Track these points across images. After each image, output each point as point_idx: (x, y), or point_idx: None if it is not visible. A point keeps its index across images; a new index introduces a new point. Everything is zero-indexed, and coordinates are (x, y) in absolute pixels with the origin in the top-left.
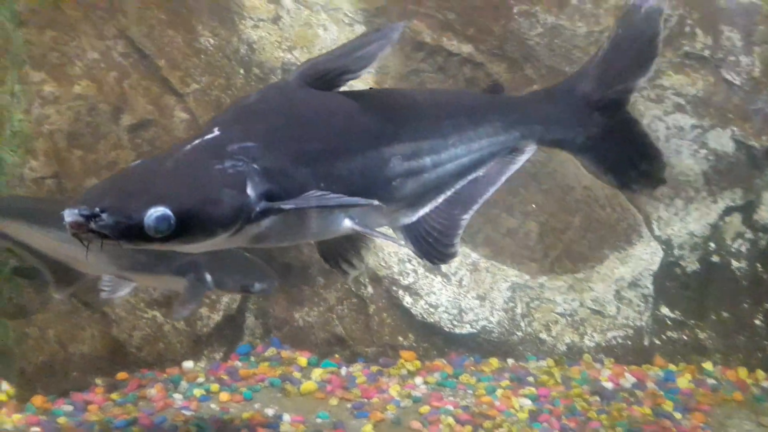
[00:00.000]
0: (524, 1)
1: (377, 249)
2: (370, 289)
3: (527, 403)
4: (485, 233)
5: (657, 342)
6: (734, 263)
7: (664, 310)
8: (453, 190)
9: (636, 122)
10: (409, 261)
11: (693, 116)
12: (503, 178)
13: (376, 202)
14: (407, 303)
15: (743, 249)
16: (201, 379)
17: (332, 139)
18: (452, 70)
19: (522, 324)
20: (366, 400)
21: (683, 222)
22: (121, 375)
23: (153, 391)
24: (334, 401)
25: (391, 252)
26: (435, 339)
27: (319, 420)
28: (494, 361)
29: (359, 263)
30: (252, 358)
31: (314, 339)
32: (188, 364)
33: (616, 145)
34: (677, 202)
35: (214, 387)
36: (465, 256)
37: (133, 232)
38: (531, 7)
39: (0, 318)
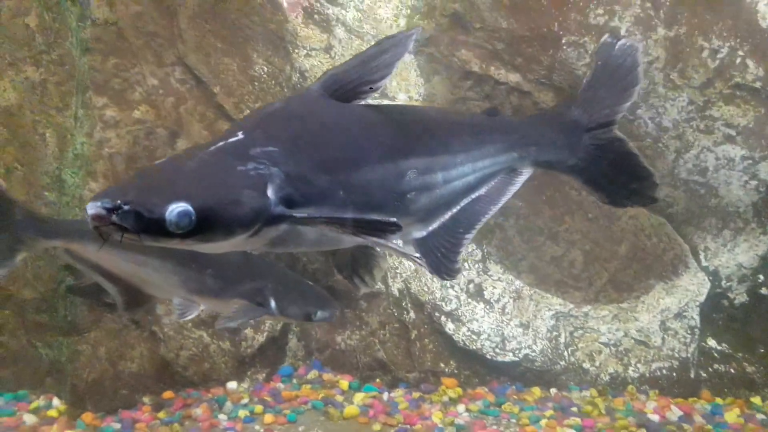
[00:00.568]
0: (573, 32)
1: (420, 274)
2: (412, 315)
3: None
4: (529, 261)
5: (703, 375)
6: None
7: (711, 342)
8: (459, 207)
9: (625, 143)
10: (452, 287)
11: (743, 147)
12: (504, 199)
13: (394, 220)
14: (449, 329)
15: None
16: (245, 400)
17: (351, 149)
18: (499, 99)
19: (565, 353)
20: (409, 426)
21: (731, 253)
22: (168, 394)
23: (199, 411)
24: (377, 426)
25: (433, 277)
26: (477, 366)
27: None
28: (537, 390)
29: (371, 281)
30: (294, 380)
31: (356, 363)
32: (232, 385)
33: (607, 165)
34: (725, 233)
35: (258, 408)
36: (508, 283)
37: (154, 226)
38: (580, 38)
39: (54, 335)
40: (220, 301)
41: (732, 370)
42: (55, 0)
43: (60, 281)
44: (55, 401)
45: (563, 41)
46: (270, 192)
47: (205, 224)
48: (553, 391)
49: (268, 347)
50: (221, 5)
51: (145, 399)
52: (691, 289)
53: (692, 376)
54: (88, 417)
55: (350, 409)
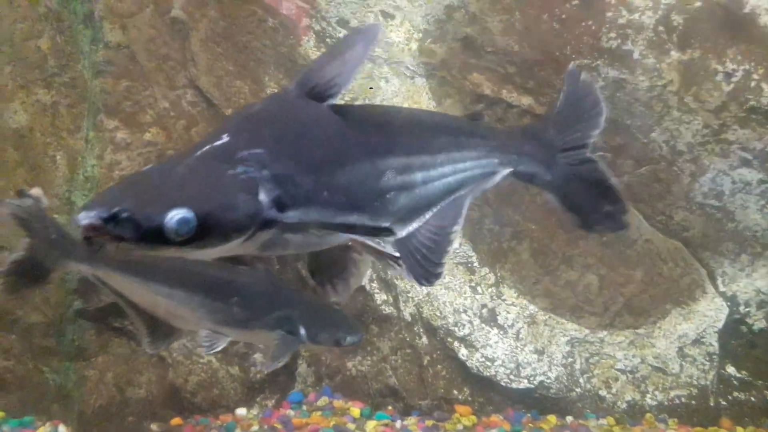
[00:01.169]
0: (586, 55)
1: (431, 298)
2: (424, 340)
3: None
4: (543, 285)
5: (723, 402)
6: None
7: (730, 370)
8: (438, 207)
9: (597, 167)
10: (465, 312)
11: (760, 171)
12: (478, 194)
13: (386, 225)
14: (462, 355)
15: None
16: (255, 427)
17: (331, 148)
18: (511, 121)
19: (581, 380)
20: None
21: (749, 278)
22: (176, 420)
23: None
24: None
25: (446, 302)
26: (491, 393)
27: None
28: (552, 418)
29: (344, 292)
30: (304, 407)
31: (367, 389)
32: (241, 411)
33: (580, 187)
34: (743, 257)
35: None
36: (522, 308)
37: (152, 234)
38: (593, 61)
39: (62, 360)
40: (248, 332)
41: (752, 398)
42: (68, 23)
43: (68, 305)
44: (62, 428)
45: (576, 65)
46: (262, 195)
47: (204, 231)
48: (569, 419)
49: (278, 373)
50: (233, 29)
51: (153, 426)
52: (709, 314)
53: (711, 404)
54: None
55: None
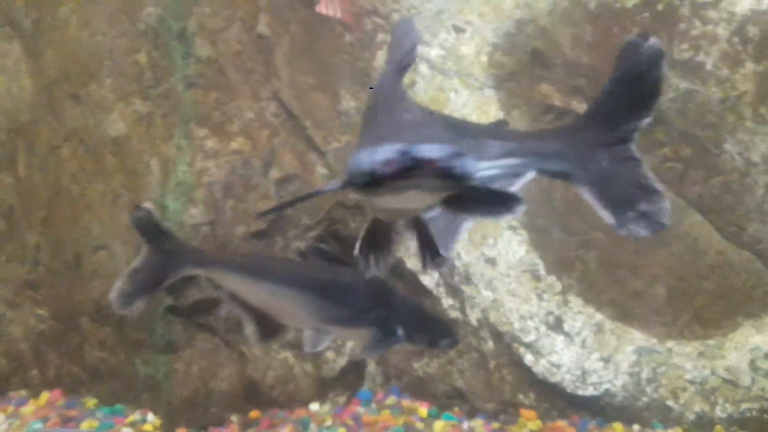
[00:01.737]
0: None
1: (497, 304)
2: (490, 345)
3: None
4: (610, 294)
5: None
6: None
7: None
8: None
9: (639, 163)
10: (531, 318)
11: None
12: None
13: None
14: (528, 361)
15: None
16: (329, 422)
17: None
18: None
19: (648, 389)
20: None
21: None
22: (254, 413)
23: (285, 431)
24: None
25: (512, 308)
26: (556, 399)
27: None
28: (618, 427)
29: (384, 267)
30: (373, 405)
31: (434, 390)
32: (314, 407)
33: (618, 183)
34: None
35: (342, 431)
36: (589, 316)
37: (461, 180)
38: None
39: (151, 353)
40: (351, 330)
41: None
42: (163, 39)
43: (159, 302)
44: (150, 416)
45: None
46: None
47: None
48: (636, 427)
49: (349, 370)
50: (314, 44)
51: (233, 417)
52: None
53: None
54: None
55: None
